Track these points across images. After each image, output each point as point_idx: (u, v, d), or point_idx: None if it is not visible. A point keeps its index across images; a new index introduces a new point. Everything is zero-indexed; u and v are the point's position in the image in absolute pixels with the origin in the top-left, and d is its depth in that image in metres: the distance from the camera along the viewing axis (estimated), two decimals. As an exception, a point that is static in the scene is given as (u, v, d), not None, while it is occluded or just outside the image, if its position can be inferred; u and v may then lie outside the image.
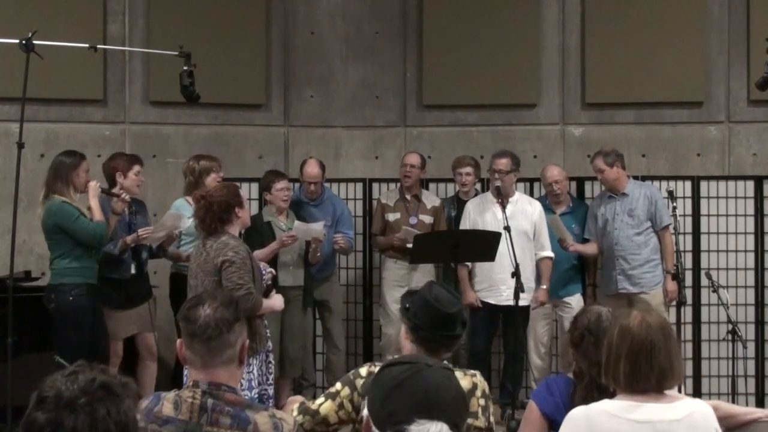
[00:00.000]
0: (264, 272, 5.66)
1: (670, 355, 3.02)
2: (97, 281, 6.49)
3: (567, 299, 7.55)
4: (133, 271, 6.74)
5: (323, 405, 3.44)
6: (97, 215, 6.37)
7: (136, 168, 6.87)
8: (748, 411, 3.81)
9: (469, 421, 3.49)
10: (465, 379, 3.53)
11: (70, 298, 6.32)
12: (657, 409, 2.98)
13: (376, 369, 2.62)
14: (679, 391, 3.16)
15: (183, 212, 6.80)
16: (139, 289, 6.82)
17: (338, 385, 3.48)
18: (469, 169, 7.75)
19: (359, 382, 3.43)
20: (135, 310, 6.78)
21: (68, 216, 6.33)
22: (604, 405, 3.04)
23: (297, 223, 7.27)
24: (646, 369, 3.00)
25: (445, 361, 3.52)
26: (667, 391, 3.05)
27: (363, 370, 3.46)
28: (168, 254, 7.02)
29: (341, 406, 3.43)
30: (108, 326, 6.58)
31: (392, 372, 2.09)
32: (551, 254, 7.42)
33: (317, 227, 7.22)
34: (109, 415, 1.92)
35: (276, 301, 5.65)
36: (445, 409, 2.00)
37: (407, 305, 3.48)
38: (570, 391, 3.57)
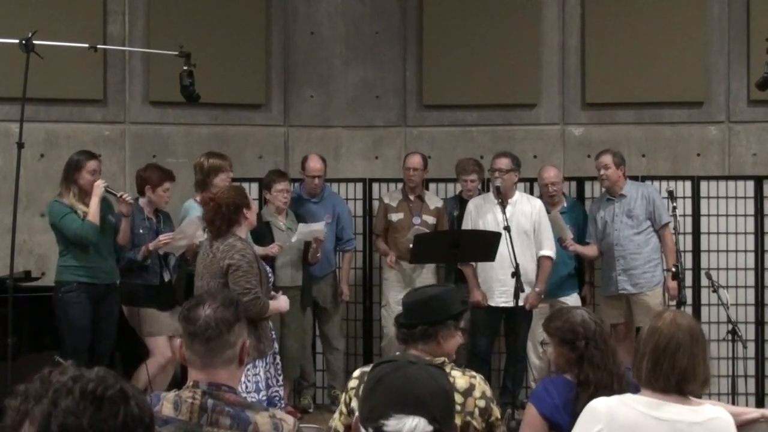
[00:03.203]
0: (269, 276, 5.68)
1: (694, 357, 3.00)
2: (129, 286, 6.68)
3: (563, 299, 7.54)
4: (166, 278, 6.83)
5: (336, 420, 3.61)
6: (91, 216, 6.40)
7: (167, 185, 6.90)
8: (745, 411, 3.82)
9: (467, 419, 3.50)
10: (463, 378, 3.55)
11: (59, 296, 6.46)
12: (678, 409, 2.98)
13: (368, 369, 2.70)
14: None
15: (191, 213, 6.79)
16: (170, 295, 6.87)
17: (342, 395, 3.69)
18: (473, 176, 7.75)
19: (351, 384, 3.54)
20: (173, 313, 6.78)
21: (57, 214, 6.47)
22: (627, 398, 3.04)
23: (300, 225, 7.27)
24: (667, 368, 2.99)
25: (445, 359, 3.56)
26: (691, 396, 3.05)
27: (356, 372, 3.61)
28: (191, 263, 6.97)
29: (341, 412, 3.56)
30: (148, 325, 6.73)
31: (376, 371, 2.13)
32: (551, 254, 7.39)
33: (318, 227, 7.23)
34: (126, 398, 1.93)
35: (281, 302, 5.64)
36: (424, 404, 2.02)
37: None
38: (571, 394, 3.56)
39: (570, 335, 3.63)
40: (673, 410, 2.98)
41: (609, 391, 3.23)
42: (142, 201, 6.84)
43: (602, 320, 3.74)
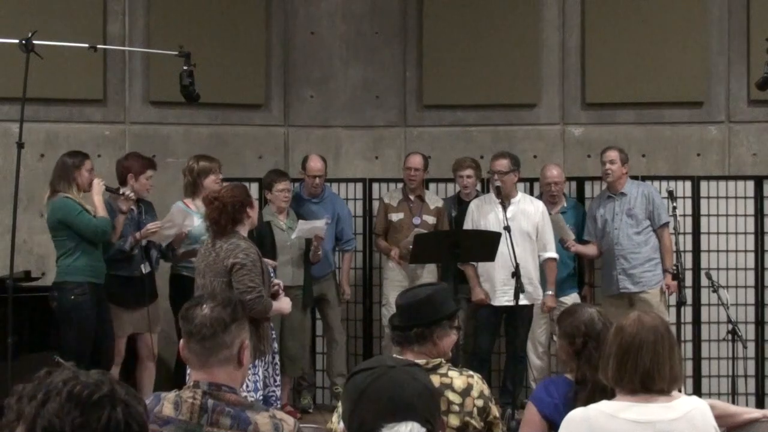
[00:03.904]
0: (272, 281, 5.67)
1: (657, 356, 2.98)
2: (106, 279, 6.49)
3: (563, 299, 7.54)
4: (146, 269, 6.71)
5: (333, 424, 3.57)
6: (101, 211, 6.38)
7: (149, 173, 6.86)
8: (744, 410, 3.82)
9: (466, 419, 3.50)
10: (460, 378, 3.55)
11: (72, 297, 6.32)
12: (655, 408, 2.97)
13: None
14: (679, 390, 3.14)
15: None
16: (147, 289, 6.77)
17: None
18: (469, 172, 7.75)
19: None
20: (139, 311, 6.72)
21: (71, 210, 6.34)
22: (603, 406, 3.03)
23: (300, 222, 7.28)
24: (630, 368, 2.98)
25: (442, 361, 3.56)
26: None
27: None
28: (177, 256, 6.92)
29: (339, 418, 3.55)
30: (113, 324, 6.58)
31: (356, 381, 2.09)
32: (555, 255, 7.41)
33: (320, 224, 7.23)
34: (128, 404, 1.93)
35: (284, 303, 5.64)
36: (412, 407, 2.00)
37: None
38: (569, 393, 3.56)
39: (573, 330, 3.64)
40: (649, 411, 2.96)
41: (608, 394, 3.22)
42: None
43: (612, 322, 3.74)
